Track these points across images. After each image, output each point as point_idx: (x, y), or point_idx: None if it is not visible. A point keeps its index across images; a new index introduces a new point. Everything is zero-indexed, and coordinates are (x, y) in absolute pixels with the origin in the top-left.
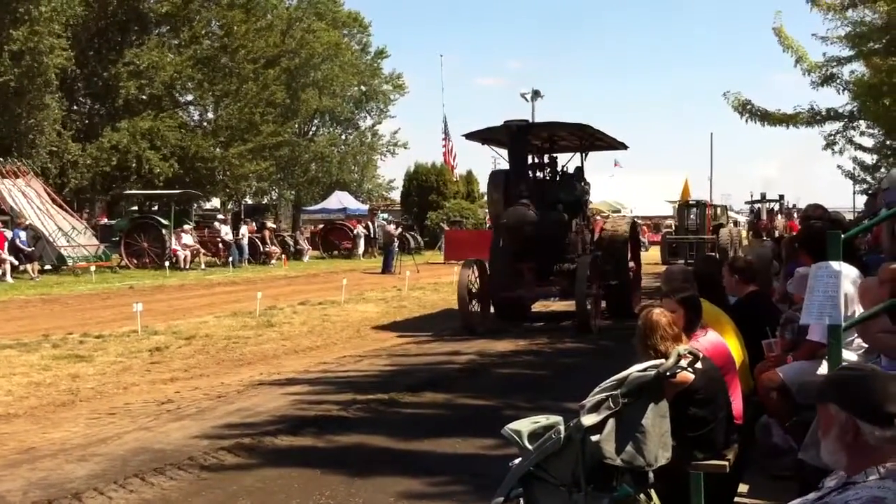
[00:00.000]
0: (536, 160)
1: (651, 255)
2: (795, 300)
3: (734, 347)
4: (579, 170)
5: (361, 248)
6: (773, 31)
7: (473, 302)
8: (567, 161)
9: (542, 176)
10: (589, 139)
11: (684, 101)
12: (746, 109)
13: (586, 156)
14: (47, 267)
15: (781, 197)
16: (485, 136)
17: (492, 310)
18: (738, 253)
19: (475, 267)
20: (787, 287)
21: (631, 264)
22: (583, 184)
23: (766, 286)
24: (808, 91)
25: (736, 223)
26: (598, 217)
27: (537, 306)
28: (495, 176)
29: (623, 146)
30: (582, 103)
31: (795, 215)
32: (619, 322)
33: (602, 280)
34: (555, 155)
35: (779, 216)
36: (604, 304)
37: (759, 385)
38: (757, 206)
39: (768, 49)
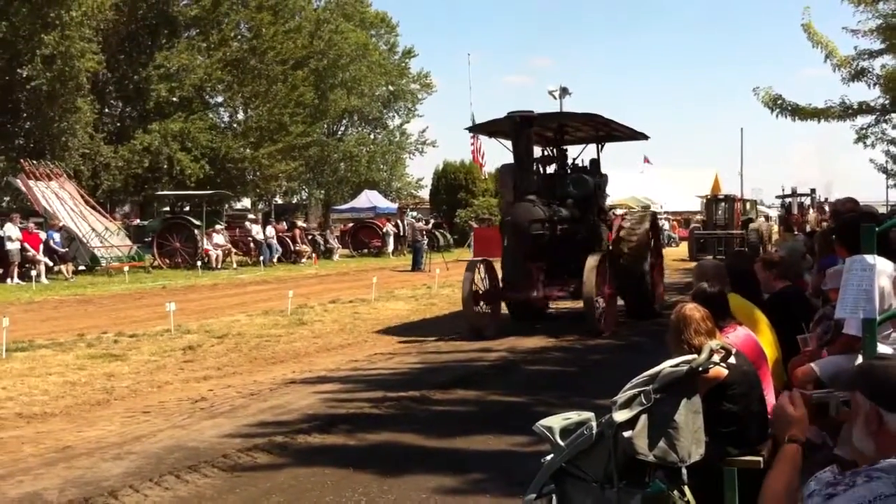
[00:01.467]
0: (547, 153)
1: (680, 251)
2: (831, 297)
3: (767, 343)
4: (595, 162)
5: (391, 247)
6: (801, 27)
7: (481, 304)
8: (579, 153)
9: (552, 170)
10: (605, 130)
11: (714, 96)
12: (777, 104)
13: (602, 147)
14: (81, 267)
15: (813, 191)
16: (489, 129)
17: (504, 311)
18: (769, 247)
19: (481, 267)
20: (822, 285)
21: (652, 260)
22: (598, 177)
23: (798, 280)
24: (839, 86)
25: (767, 218)
26: (616, 212)
27: (562, 305)
28: (505, 169)
29: (643, 136)
30: (610, 100)
31: (827, 209)
32: (639, 322)
33: (618, 278)
34: (564, 147)
35: (810, 210)
36: (622, 302)
37: (793, 380)
38: (788, 200)
39: (799, 43)
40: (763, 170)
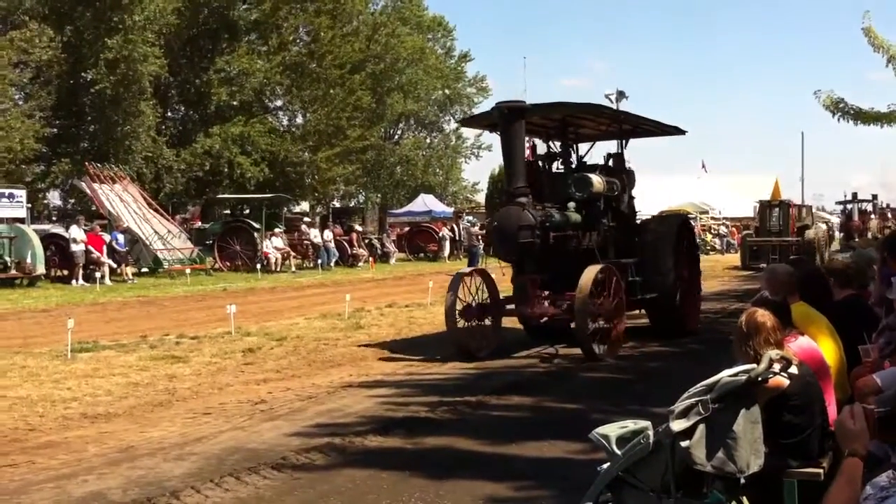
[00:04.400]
0: (553, 150)
1: (735, 258)
2: None
3: (829, 351)
4: (619, 159)
5: (447, 251)
6: (862, 30)
7: (474, 321)
8: (587, 150)
9: (560, 169)
10: (631, 124)
11: (774, 101)
12: (839, 108)
13: (626, 144)
14: (144, 269)
15: (874, 197)
16: (484, 123)
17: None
18: (826, 255)
19: (473, 279)
20: (888, 293)
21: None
22: (619, 177)
23: (863, 289)
24: None
25: (828, 224)
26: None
27: None
28: None
29: (676, 131)
30: (668, 103)
31: (890, 215)
32: (664, 343)
33: (635, 292)
34: (569, 143)
35: (872, 216)
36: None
37: (855, 391)
38: (849, 206)
39: (862, 47)
40: (826, 175)
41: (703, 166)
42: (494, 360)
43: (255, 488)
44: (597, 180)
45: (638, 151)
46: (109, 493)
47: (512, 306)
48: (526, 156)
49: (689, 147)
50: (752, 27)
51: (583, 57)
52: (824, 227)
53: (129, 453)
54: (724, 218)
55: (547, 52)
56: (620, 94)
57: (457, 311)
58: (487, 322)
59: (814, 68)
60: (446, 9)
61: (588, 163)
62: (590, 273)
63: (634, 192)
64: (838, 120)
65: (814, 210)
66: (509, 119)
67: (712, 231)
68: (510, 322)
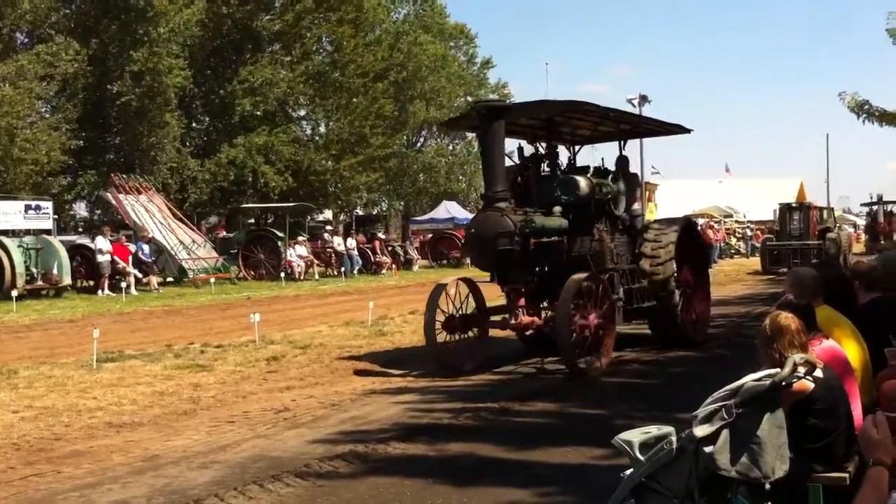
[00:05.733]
0: (543, 151)
1: (755, 263)
2: None
3: (854, 354)
4: (621, 161)
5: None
6: (886, 31)
7: (457, 333)
8: (575, 152)
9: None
10: (628, 123)
11: (798, 103)
12: (864, 110)
13: (625, 144)
14: (169, 279)
15: None
16: (465, 125)
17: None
18: (849, 258)
19: (455, 288)
20: None
21: (687, 277)
22: (617, 179)
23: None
24: None
25: (855, 226)
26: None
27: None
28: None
29: (682, 130)
30: (691, 107)
31: None
32: (687, 348)
33: (633, 301)
34: (555, 144)
35: None
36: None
37: (881, 394)
38: (874, 208)
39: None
40: (852, 178)
41: (727, 169)
42: (518, 366)
43: (279, 496)
44: (584, 183)
45: (660, 155)
46: (134, 501)
47: (498, 317)
48: (509, 160)
49: (713, 150)
50: (776, 29)
51: (605, 62)
52: (851, 229)
53: (153, 462)
54: (748, 221)
55: (569, 58)
56: (643, 99)
57: (438, 324)
58: (472, 334)
59: (838, 70)
60: (468, 17)
61: (579, 165)
62: (572, 282)
63: (646, 196)
64: (863, 122)
65: (840, 212)
66: (487, 119)
67: (737, 234)
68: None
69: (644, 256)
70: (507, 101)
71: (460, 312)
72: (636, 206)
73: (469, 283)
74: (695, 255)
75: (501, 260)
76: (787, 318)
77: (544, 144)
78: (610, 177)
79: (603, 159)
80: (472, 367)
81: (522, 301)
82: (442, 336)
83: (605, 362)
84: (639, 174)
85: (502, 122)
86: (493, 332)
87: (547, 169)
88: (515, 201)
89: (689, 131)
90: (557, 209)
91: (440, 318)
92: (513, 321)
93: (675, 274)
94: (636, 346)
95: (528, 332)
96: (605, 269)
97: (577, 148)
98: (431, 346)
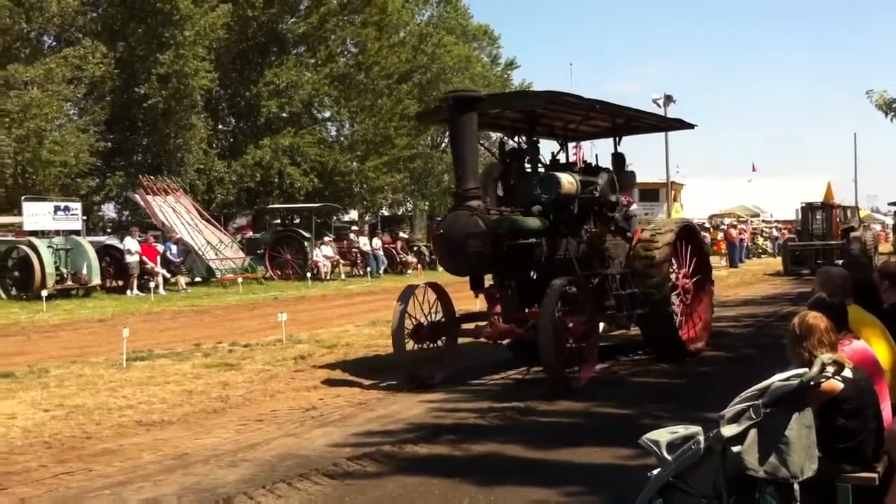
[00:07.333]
0: (527, 146)
1: (775, 263)
2: None
3: (884, 354)
4: (617, 159)
5: None
6: None
7: (426, 342)
8: (563, 148)
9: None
10: (622, 116)
11: (826, 103)
12: (892, 108)
13: (620, 140)
14: (197, 279)
15: None
16: (440, 118)
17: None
18: (874, 258)
19: (426, 294)
20: None
21: (684, 281)
22: (607, 175)
23: None
24: None
25: (883, 226)
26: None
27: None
28: (486, 171)
29: (684, 125)
30: (718, 107)
31: None
32: (715, 347)
33: (623, 307)
34: (536, 139)
35: None
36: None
37: None
38: None
39: None
40: (881, 176)
41: (754, 168)
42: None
43: (307, 494)
44: (567, 180)
45: (686, 154)
46: (164, 499)
47: (470, 325)
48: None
49: (739, 148)
50: (803, 28)
51: (629, 63)
52: (879, 228)
53: (183, 460)
54: (775, 221)
55: (593, 58)
56: (668, 99)
57: (407, 332)
58: (441, 343)
59: (868, 68)
60: (491, 17)
61: (563, 161)
62: (554, 289)
63: (671, 196)
64: (892, 120)
65: (867, 211)
66: (458, 111)
67: (763, 234)
68: None
69: (637, 257)
70: (481, 92)
71: (429, 320)
72: (633, 206)
73: (437, 288)
74: (696, 259)
75: (472, 263)
76: (816, 318)
77: (524, 139)
78: (601, 174)
79: (597, 156)
80: (440, 378)
81: (499, 308)
82: (410, 345)
83: (587, 375)
84: (635, 172)
85: (474, 114)
86: None
87: (528, 165)
88: (500, 200)
89: (692, 127)
90: (537, 208)
91: (409, 325)
92: (488, 329)
93: (672, 274)
94: None
95: (504, 342)
96: (595, 272)
97: (572, 144)
98: (398, 355)
